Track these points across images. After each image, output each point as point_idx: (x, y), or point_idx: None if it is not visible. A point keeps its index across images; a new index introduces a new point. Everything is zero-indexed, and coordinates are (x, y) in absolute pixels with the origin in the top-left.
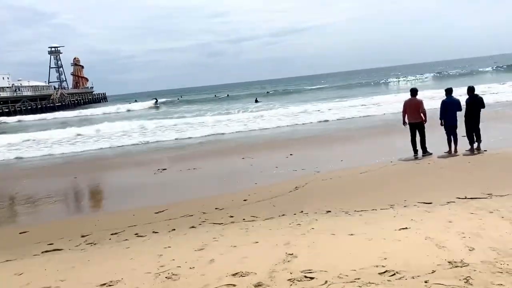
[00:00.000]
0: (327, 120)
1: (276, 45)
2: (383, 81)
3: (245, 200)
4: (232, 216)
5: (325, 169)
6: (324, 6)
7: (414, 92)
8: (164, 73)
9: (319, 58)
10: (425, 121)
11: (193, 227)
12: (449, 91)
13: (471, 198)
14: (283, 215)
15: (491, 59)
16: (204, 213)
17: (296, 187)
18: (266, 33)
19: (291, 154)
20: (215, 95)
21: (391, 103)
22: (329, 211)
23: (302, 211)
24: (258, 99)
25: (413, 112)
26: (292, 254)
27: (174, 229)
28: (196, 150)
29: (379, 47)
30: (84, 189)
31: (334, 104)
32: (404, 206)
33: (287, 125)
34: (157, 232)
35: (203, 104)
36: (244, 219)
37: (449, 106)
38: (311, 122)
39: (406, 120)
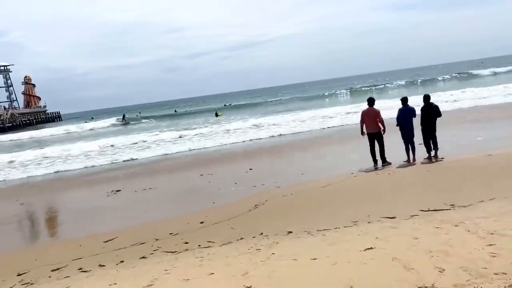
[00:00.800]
0: (283, 134)
1: (232, 59)
2: (339, 91)
3: (201, 222)
4: (187, 243)
5: (285, 183)
6: (278, 21)
7: (371, 101)
8: (122, 90)
9: (276, 71)
10: (384, 130)
11: (143, 257)
12: (405, 100)
13: (434, 210)
14: (242, 238)
15: (434, 69)
16: (157, 239)
17: (255, 205)
18: (222, 47)
19: (250, 169)
20: (175, 110)
21: (349, 114)
22: (290, 232)
23: (262, 233)
24: (218, 113)
25: (371, 122)
26: (250, 287)
27: (123, 261)
28: (153, 169)
29: (333, 59)
30: (28, 216)
31: (293, 116)
32: (368, 223)
33: (249, 139)
34: (103, 266)
35: (162, 119)
36: (199, 246)
37: (405, 115)
38: (272, 136)
39: (365, 130)
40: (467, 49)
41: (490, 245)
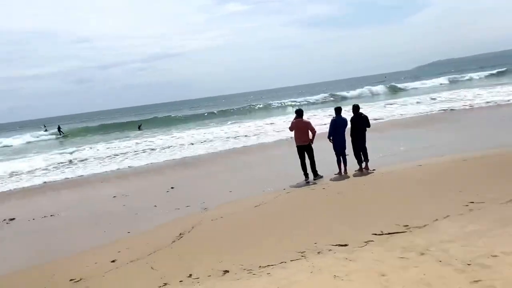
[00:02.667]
0: (196, 153)
1: (146, 71)
2: (256, 104)
3: (113, 261)
4: None
5: (213, 203)
6: (193, 33)
7: (299, 113)
8: (28, 102)
9: (192, 83)
10: (313, 140)
11: None
12: (338, 110)
13: (389, 234)
14: (166, 284)
15: (346, 82)
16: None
17: (180, 234)
18: (135, 58)
19: (172, 188)
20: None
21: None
22: (227, 272)
23: (191, 275)
24: (141, 127)
25: (301, 134)
26: None
27: None
28: (58, 191)
29: (249, 73)
30: None
31: (213, 129)
32: (318, 253)
33: (175, 154)
34: None
35: (79, 134)
36: None
37: (338, 126)
38: (199, 155)
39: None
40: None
41: (476, 281)
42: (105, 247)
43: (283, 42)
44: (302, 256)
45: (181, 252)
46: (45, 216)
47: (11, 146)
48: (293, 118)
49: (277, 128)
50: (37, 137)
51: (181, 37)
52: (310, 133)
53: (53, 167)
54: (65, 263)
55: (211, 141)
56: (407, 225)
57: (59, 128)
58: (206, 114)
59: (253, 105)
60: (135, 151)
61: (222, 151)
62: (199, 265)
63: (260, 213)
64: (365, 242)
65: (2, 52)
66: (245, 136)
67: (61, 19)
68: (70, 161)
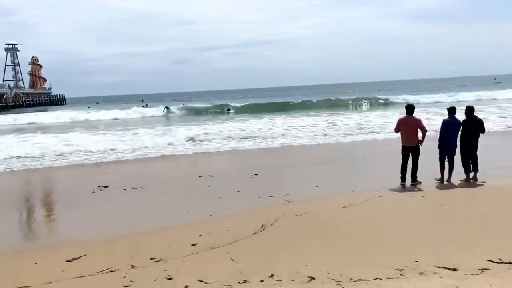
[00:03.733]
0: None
1: (242, 56)
2: (361, 98)
3: (193, 245)
4: (170, 278)
5: (297, 197)
6: (290, 21)
7: (410, 109)
8: (127, 78)
9: (284, 71)
10: (422, 140)
11: None
12: (452, 111)
13: (510, 263)
14: (245, 282)
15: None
16: (132, 266)
17: (262, 226)
18: (234, 43)
19: (256, 174)
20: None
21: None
22: (313, 279)
23: (272, 275)
24: (230, 108)
25: (410, 133)
26: None
27: None
28: (149, 166)
29: (341, 64)
30: None
31: (311, 119)
32: (420, 274)
33: (262, 140)
34: None
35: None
36: (187, 287)
37: (451, 128)
38: (288, 144)
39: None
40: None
41: None
42: (187, 228)
43: (380, 34)
44: (401, 274)
45: (262, 246)
46: (135, 188)
47: (118, 119)
48: (400, 116)
49: (380, 124)
50: (140, 112)
51: (278, 24)
52: (419, 133)
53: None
54: (148, 239)
55: (300, 130)
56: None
57: (166, 107)
58: (306, 102)
59: (358, 98)
60: (221, 134)
61: (312, 143)
62: (282, 265)
63: (349, 216)
64: (480, 269)
65: (114, 29)
66: (336, 129)
67: (167, 1)
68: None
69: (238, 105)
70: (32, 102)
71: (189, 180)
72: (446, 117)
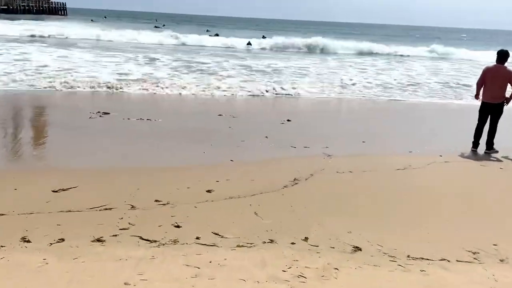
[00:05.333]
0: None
1: None
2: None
3: (209, 191)
4: (178, 226)
5: (339, 151)
6: None
7: (503, 56)
8: None
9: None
10: (508, 101)
11: (99, 240)
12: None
13: None
14: (271, 241)
15: None
16: (132, 207)
17: (295, 180)
18: None
19: (288, 120)
20: (207, 30)
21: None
22: (359, 249)
23: (306, 238)
24: (265, 35)
25: (496, 87)
26: None
27: (63, 240)
28: (161, 97)
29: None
30: None
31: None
32: (501, 261)
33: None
34: (27, 241)
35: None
36: (197, 238)
37: None
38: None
39: (481, 96)
40: None
41: None
42: (202, 171)
43: None
44: (475, 258)
45: (294, 203)
46: (141, 119)
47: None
48: (487, 65)
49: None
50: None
51: None
52: (509, 88)
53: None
54: (154, 177)
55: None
56: None
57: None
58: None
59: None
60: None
61: (365, 89)
62: (319, 228)
63: (404, 181)
64: None
65: None
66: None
67: None
68: None
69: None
70: (28, 7)
71: (208, 117)
72: None
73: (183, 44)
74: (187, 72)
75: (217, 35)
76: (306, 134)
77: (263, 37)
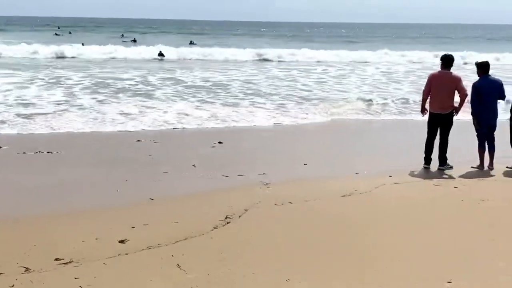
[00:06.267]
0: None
1: None
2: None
3: (122, 241)
4: None
5: (278, 177)
6: None
7: (448, 61)
8: None
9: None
10: (460, 107)
11: None
12: (484, 68)
13: None
14: None
15: None
16: (27, 270)
17: (226, 218)
18: None
19: (220, 142)
20: (122, 35)
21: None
22: None
23: None
24: (193, 41)
25: (444, 96)
26: None
27: None
28: (63, 120)
29: None
30: None
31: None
32: None
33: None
34: None
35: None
36: None
37: (486, 93)
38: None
39: (427, 107)
40: None
41: None
42: (114, 216)
43: None
44: None
45: (225, 248)
46: (39, 152)
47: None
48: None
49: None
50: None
51: None
52: (457, 96)
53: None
54: (53, 228)
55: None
56: None
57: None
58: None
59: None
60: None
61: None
62: (253, 278)
63: (350, 209)
64: None
65: None
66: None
67: None
68: None
69: None
70: None
71: (122, 143)
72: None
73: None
74: (112, 93)
75: (134, 40)
76: (240, 158)
77: (191, 42)
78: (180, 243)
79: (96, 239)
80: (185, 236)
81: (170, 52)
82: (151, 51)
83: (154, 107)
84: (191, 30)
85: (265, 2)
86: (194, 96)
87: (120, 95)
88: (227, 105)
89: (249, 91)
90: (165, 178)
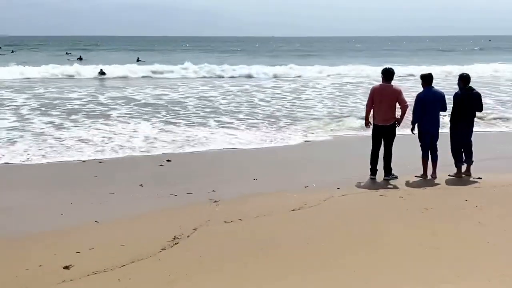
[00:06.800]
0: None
1: None
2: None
3: (66, 267)
4: None
5: (227, 194)
6: None
7: (388, 74)
8: None
9: (220, 17)
10: (400, 122)
11: None
12: (428, 79)
13: None
14: None
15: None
16: None
17: (175, 238)
18: None
19: (168, 160)
20: (67, 53)
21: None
22: None
23: None
24: (140, 58)
25: (386, 108)
26: None
27: None
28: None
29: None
30: None
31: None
32: None
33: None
34: None
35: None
36: None
37: (429, 104)
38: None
39: (371, 120)
40: None
41: None
42: (58, 240)
43: None
44: None
45: (173, 270)
46: None
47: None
48: (374, 85)
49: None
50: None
51: None
52: (398, 107)
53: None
54: None
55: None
56: None
57: (102, 72)
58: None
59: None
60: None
61: (244, 111)
62: None
63: (300, 224)
64: None
65: None
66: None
67: None
68: None
69: None
70: None
71: (66, 165)
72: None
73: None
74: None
75: (80, 58)
76: (189, 176)
77: (138, 59)
78: (127, 266)
79: (40, 266)
80: (132, 259)
81: (117, 70)
82: (93, 70)
83: (120, 133)
84: (139, 47)
85: (213, 18)
86: (154, 117)
87: (74, 116)
88: (193, 125)
89: (207, 109)
90: (111, 199)
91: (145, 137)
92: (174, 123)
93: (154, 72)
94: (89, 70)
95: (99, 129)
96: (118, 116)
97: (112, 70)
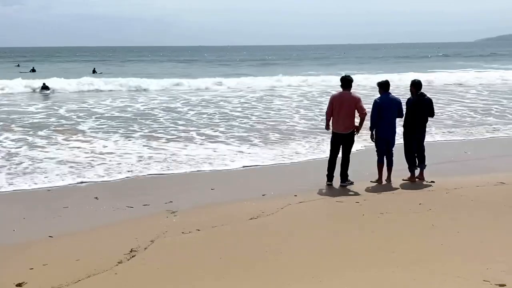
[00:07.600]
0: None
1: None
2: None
3: (19, 285)
4: None
5: (185, 204)
6: None
7: (347, 82)
8: None
9: (174, 26)
10: (358, 129)
11: None
12: (385, 86)
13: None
14: None
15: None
16: None
17: (131, 251)
18: None
19: (128, 171)
20: (18, 65)
21: None
22: None
23: None
24: (96, 69)
25: (345, 116)
26: None
27: None
28: None
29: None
30: None
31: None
32: None
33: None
34: None
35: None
36: None
37: (385, 110)
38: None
39: (331, 125)
40: None
41: None
42: (10, 256)
43: None
44: None
45: (130, 284)
46: None
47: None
48: (333, 93)
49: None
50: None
51: None
52: (356, 115)
53: None
54: None
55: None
56: (503, 285)
57: (44, 86)
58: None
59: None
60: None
61: (193, 121)
62: None
63: (258, 232)
64: None
65: None
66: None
67: None
68: None
69: None
70: None
71: None
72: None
73: None
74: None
75: (33, 70)
76: (146, 187)
77: (94, 71)
78: (83, 281)
79: None
80: (88, 274)
81: (70, 83)
82: (38, 83)
83: (111, 152)
84: (95, 57)
85: (164, 28)
86: (129, 130)
87: (41, 132)
88: (179, 141)
89: (180, 122)
90: (65, 213)
91: (140, 158)
92: (158, 138)
93: (109, 82)
94: (37, 83)
95: (84, 150)
96: (90, 131)
97: (62, 83)
